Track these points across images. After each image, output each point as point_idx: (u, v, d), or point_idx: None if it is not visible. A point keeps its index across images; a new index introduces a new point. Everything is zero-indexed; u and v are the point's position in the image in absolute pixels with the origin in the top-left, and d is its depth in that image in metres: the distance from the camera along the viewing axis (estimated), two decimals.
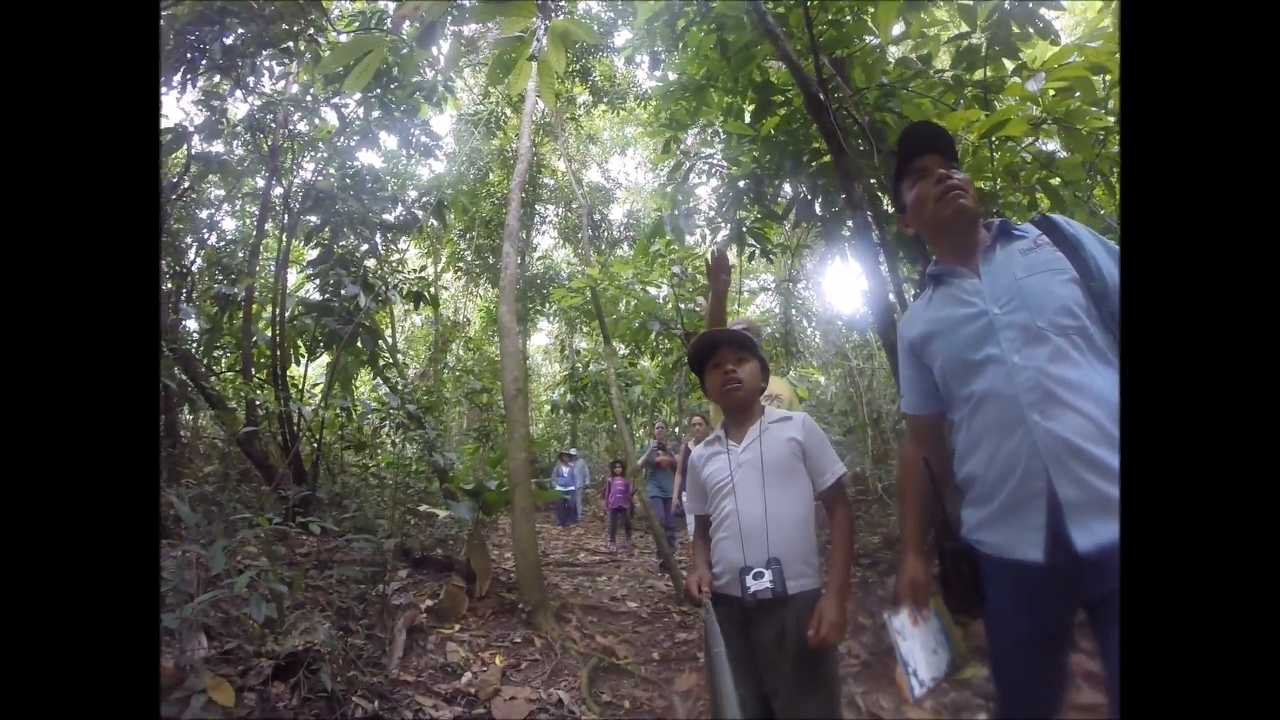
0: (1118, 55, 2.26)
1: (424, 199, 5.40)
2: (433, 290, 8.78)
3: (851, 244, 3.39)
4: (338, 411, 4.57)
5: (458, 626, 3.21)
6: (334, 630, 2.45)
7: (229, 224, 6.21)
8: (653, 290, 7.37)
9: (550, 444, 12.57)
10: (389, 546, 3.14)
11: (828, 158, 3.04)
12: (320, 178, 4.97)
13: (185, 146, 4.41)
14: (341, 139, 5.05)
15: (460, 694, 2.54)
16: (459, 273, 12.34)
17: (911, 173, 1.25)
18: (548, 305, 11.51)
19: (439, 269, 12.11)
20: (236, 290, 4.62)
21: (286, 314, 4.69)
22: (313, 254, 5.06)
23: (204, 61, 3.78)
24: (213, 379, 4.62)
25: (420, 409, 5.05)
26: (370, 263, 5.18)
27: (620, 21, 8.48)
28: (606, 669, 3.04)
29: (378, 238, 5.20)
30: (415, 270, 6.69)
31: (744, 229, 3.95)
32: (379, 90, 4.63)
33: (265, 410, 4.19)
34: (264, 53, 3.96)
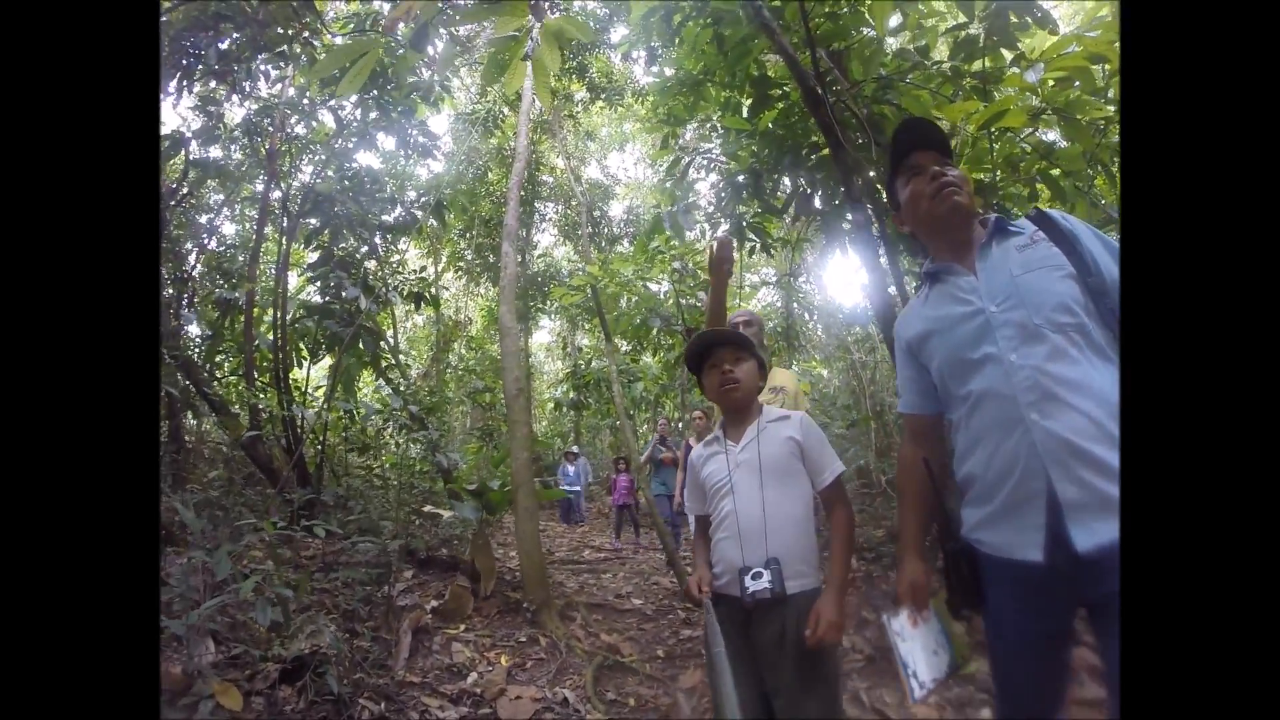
0: (1117, 44, 2.24)
1: (423, 199, 5.40)
2: (433, 290, 8.80)
3: (851, 237, 3.38)
4: (341, 414, 4.58)
5: (463, 627, 3.22)
6: (340, 633, 2.46)
7: (229, 229, 6.22)
8: (653, 286, 7.37)
9: (554, 442, 12.59)
10: (394, 548, 3.15)
11: (826, 151, 3.02)
12: (319, 180, 4.97)
13: (183, 152, 4.41)
14: (339, 141, 5.05)
15: (466, 694, 2.55)
16: (459, 272, 12.35)
17: (905, 170, 1.24)
18: (549, 303, 11.51)
19: (439, 269, 12.11)
20: (237, 295, 4.63)
21: (288, 317, 4.70)
22: (313, 257, 5.07)
23: (199, 67, 3.78)
24: (215, 384, 4.63)
25: (423, 409, 5.05)
26: (370, 264, 5.19)
27: (616, 18, 8.43)
28: (611, 667, 3.05)
29: (377, 239, 5.20)
30: (415, 271, 6.70)
31: (744, 224, 3.94)
32: (376, 91, 4.62)
33: (268, 414, 4.20)
34: (259, 57, 3.95)
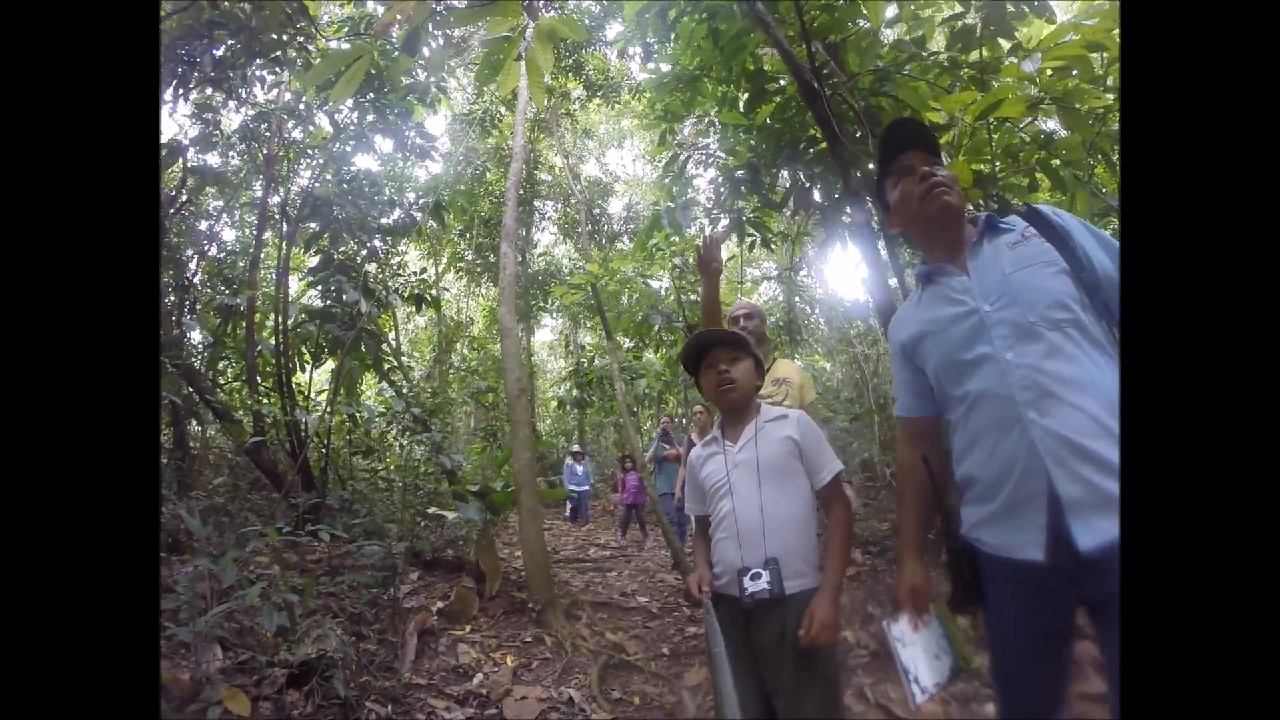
0: (1115, 32, 2.22)
1: (422, 200, 5.39)
2: (434, 292, 8.79)
3: (851, 230, 3.36)
4: (344, 417, 4.59)
5: (469, 628, 3.23)
6: (346, 636, 2.47)
7: (228, 235, 6.24)
8: (654, 283, 7.36)
9: (558, 440, 12.61)
10: (399, 550, 3.15)
11: (824, 145, 3.00)
12: (317, 184, 4.97)
13: (181, 160, 4.42)
14: (337, 144, 5.04)
15: (472, 695, 2.56)
16: (460, 273, 12.35)
17: (894, 171, 1.22)
18: (550, 301, 11.52)
19: (440, 270, 12.12)
20: (238, 301, 4.63)
21: (289, 322, 4.71)
22: (313, 261, 5.07)
23: (195, 75, 3.78)
24: (219, 391, 4.65)
25: (426, 411, 5.06)
26: (371, 267, 5.19)
27: (611, 15, 8.40)
28: (617, 665, 3.05)
29: (377, 241, 5.19)
30: (416, 272, 6.69)
31: (743, 218, 3.93)
32: (372, 95, 4.61)
33: (272, 419, 4.22)
34: (255, 63, 3.95)
